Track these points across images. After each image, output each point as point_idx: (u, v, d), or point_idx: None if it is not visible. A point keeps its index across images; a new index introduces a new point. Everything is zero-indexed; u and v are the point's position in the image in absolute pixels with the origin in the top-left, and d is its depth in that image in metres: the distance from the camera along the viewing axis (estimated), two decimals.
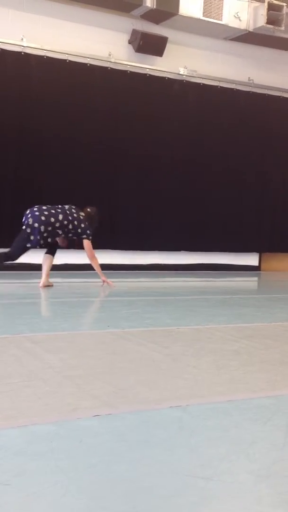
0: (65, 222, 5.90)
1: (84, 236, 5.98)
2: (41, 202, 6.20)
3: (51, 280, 6.13)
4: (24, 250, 5.92)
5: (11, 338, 3.30)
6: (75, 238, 6.06)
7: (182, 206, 8.91)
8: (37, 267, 6.38)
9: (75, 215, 6.00)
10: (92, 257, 6.06)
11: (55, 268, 6.45)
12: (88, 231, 6.02)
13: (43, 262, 6.05)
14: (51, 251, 6.07)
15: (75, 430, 1.87)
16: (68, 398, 2.21)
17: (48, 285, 6.00)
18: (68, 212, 5.98)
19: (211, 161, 9.10)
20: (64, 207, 6.02)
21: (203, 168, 9.05)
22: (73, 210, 6.04)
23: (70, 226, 5.94)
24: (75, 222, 5.97)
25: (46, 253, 6.07)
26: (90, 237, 6.03)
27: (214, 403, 2.22)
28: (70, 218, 5.96)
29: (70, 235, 6.00)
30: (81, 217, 6.03)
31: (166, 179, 8.74)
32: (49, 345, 3.15)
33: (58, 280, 6.66)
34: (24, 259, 7.53)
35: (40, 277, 6.07)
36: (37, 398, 2.21)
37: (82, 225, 5.99)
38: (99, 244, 8.26)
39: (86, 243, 6.00)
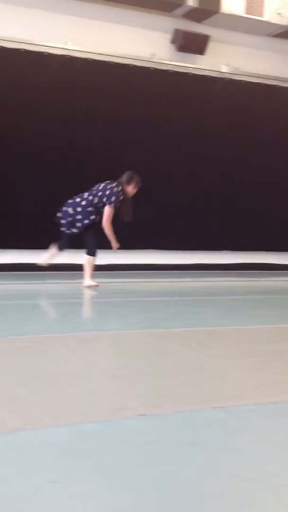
0: (90, 198, 5.96)
1: (107, 203, 5.93)
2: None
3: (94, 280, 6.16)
4: (66, 236, 6.07)
5: (58, 337, 3.38)
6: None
7: (225, 205, 8.87)
8: (81, 267, 6.44)
9: (100, 187, 6.01)
10: (107, 224, 5.97)
11: (98, 268, 6.52)
12: (112, 198, 5.92)
13: (84, 262, 6.11)
14: (90, 252, 6.04)
15: (121, 429, 1.91)
16: (113, 397, 2.25)
17: (90, 285, 6.01)
18: (95, 188, 6.03)
19: (254, 159, 9.02)
20: (96, 185, 6.08)
21: (246, 165, 8.98)
22: (102, 184, 6.03)
23: (96, 200, 5.96)
24: (100, 194, 5.97)
25: (85, 253, 6.11)
26: (113, 205, 5.93)
27: (258, 405, 2.22)
28: (94, 192, 5.99)
29: (102, 210, 5.98)
30: (109, 187, 5.98)
31: (209, 178, 8.72)
32: (94, 345, 3.20)
33: (102, 280, 6.73)
34: (67, 259, 7.69)
35: (83, 278, 6.13)
36: (83, 397, 2.26)
37: (107, 192, 5.94)
38: (142, 244, 8.33)
39: (106, 208, 5.94)
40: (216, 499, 1.45)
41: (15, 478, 1.53)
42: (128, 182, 6.03)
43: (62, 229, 6.06)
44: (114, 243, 6.10)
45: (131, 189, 6.05)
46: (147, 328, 3.77)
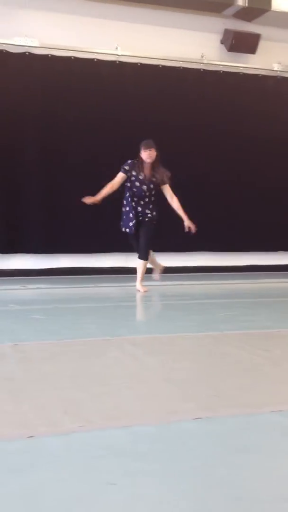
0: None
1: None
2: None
3: (146, 284, 6.15)
4: (130, 239, 6.08)
5: (112, 340, 3.40)
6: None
7: (278, 206, 8.71)
8: (132, 271, 6.45)
9: None
10: (110, 183, 5.96)
11: (151, 271, 6.52)
12: (122, 166, 5.98)
13: (136, 266, 6.10)
14: (141, 256, 6.02)
15: (176, 432, 1.90)
16: (168, 400, 2.24)
17: (139, 290, 5.99)
18: None
19: None
20: None
21: None
22: None
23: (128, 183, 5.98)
24: None
25: (138, 257, 6.09)
26: (122, 168, 5.95)
27: None
28: None
29: (141, 196, 5.94)
30: None
31: (262, 179, 8.58)
32: (148, 347, 3.20)
33: (155, 283, 6.74)
34: (119, 262, 7.77)
35: (135, 281, 6.12)
36: (138, 399, 2.26)
37: None
38: (195, 246, 8.27)
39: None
40: (276, 504, 1.42)
41: (72, 480, 1.54)
42: (140, 150, 5.96)
43: (123, 229, 6.06)
44: (91, 199, 5.95)
45: (143, 154, 5.92)
46: (201, 331, 3.74)
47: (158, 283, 6.60)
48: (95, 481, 1.53)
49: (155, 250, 6.60)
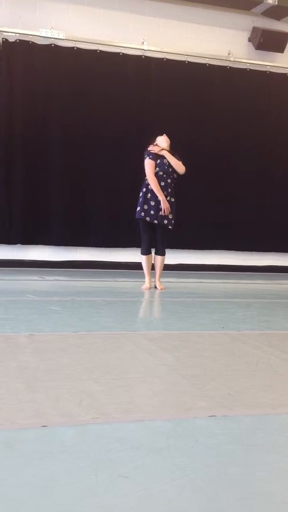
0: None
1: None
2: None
3: (163, 280, 6.11)
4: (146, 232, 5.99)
5: (128, 334, 3.38)
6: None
7: None
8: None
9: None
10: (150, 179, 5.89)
11: (169, 268, 6.50)
12: (145, 155, 5.98)
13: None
14: (159, 251, 5.99)
15: (191, 429, 1.88)
16: (183, 397, 2.22)
17: (146, 287, 5.92)
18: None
19: None
20: None
21: None
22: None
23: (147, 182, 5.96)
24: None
25: (156, 253, 6.06)
26: (146, 157, 5.95)
27: None
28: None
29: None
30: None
31: (281, 177, 8.51)
32: (165, 343, 3.18)
33: (172, 280, 6.71)
34: (137, 258, 7.74)
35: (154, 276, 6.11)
36: (153, 394, 2.24)
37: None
38: (215, 245, 8.24)
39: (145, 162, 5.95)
40: None
41: (84, 471, 1.53)
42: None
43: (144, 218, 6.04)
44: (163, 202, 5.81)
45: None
46: (218, 329, 3.71)
47: (176, 280, 6.57)
48: (107, 473, 1.52)
49: (178, 247, 6.56)
